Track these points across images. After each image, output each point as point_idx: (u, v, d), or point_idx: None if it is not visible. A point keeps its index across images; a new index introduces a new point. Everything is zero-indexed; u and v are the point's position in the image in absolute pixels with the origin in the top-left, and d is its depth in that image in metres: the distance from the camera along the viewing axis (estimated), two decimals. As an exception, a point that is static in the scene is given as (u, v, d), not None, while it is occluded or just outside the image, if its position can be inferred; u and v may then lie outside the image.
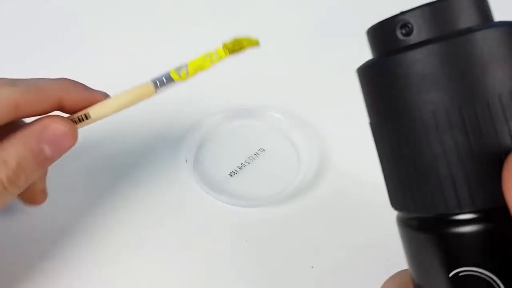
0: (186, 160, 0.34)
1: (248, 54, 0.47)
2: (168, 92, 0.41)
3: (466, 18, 0.16)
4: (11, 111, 0.24)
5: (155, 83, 0.28)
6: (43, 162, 0.25)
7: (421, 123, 0.16)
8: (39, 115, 0.26)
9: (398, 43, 0.17)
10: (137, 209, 0.33)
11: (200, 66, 0.29)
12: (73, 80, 0.27)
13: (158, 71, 0.43)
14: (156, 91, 0.28)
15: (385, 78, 0.17)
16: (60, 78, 0.27)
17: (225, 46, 0.29)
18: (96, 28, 0.48)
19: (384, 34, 0.17)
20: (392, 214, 0.27)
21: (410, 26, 0.16)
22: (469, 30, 0.16)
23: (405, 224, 0.18)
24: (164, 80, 0.28)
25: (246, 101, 0.41)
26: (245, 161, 0.36)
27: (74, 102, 0.26)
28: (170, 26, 0.49)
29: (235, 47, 0.29)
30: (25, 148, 0.25)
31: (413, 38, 0.16)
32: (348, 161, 0.37)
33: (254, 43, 0.30)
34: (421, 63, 0.16)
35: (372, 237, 0.32)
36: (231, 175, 0.35)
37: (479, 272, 0.16)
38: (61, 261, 0.30)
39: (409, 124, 0.16)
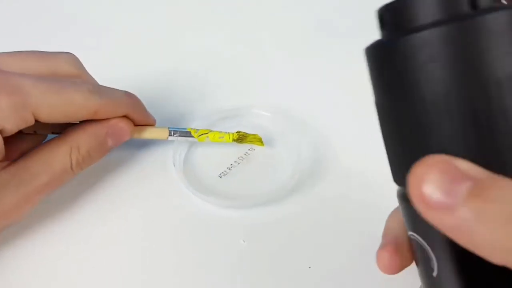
0: (174, 165, 0.34)
1: (247, 55, 0.47)
2: (159, 94, 0.41)
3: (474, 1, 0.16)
4: (90, 115, 0.29)
5: (169, 132, 0.34)
6: (105, 151, 0.31)
7: (423, 102, 0.16)
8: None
9: (409, 24, 0.16)
10: (122, 210, 0.32)
11: (211, 137, 0.34)
12: (138, 100, 0.33)
13: (158, 71, 0.44)
14: (167, 138, 0.34)
15: (394, 57, 0.16)
16: (129, 94, 0.32)
17: (235, 134, 0.34)
18: (96, 28, 0.48)
19: (395, 15, 0.17)
20: (388, 213, 0.26)
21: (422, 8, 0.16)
22: (478, 13, 0.15)
23: (399, 196, 0.19)
24: (178, 132, 0.34)
25: (245, 100, 0.41)
26: (235, 161, 0.35)
27: (134, 119, 0.32)
28: (170, 26, 0.49)
29: (243, 139, 0.35)
30: (96, 139, 0.30)
31: (424, 19, 0.16)
32: (343, 161, 0.36)
33: (259, 143, 0.35)
34: (429, 44, 0.15)
35: (368, 237, 0.31)
36: (220, 176, 0.34)
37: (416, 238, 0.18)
38: (42, 266, 0.30)
39: (412, 102, 0.16)
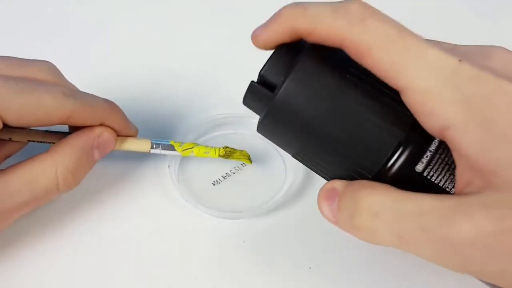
0: (168, 166, 0.34)
1: (247, 55, 0.46)
2: (158, 94, 0.41)
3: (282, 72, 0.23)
4: (63, 119, 0.27)
5: (152, 144, 0.32)
6: (92, 164, 0.30)
7: (312, 134, 0.22)
8: (81, 126, 0.29)
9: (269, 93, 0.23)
10: (113, 208, 0.33)
11: (196, 152, 0.33)
12: (117, 108, 0.30)
13: (157, 71, 0.43)
14: (150, 151, 0.32)
15: (275, 121, 0.23)
16: (108, 101, 0.30)
17: (222, 149, 0.33)
18: (95, 28, 0.48)
19: (258, 94, 0.24)
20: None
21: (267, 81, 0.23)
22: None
23: None
24: (160, 145, 0.32)
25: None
26: (230, 170, 0.35)
27: (112, 127, 0.30)
28: (170, 26, 0.49)
29: (229, 155, 0.33)
30: (84, 154, 0.28)
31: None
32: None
33: (247, 160, 0.34)
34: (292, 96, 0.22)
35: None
36: (214, 184, 0.34)
37: None
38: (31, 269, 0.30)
39: (310, 137, 0.23)
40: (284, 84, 0.22)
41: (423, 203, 0.20)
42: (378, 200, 0.21)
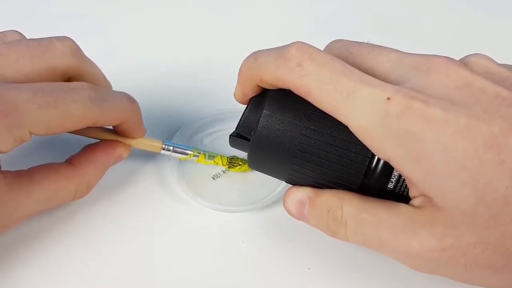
0: (169, 159, 0.34)
1: (246, 54, 0.46)
2: (163, 89, 0.41)
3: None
4: (88, 124, 0.28)
5: (164, 146, 0.33)
6: (104, 173, 0.31)
7: (295, 152, 0.25)
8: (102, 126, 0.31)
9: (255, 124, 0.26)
10: (111, 202, 0.33)
11: (202, 161, 0.34)
12: (137, 107, 0.30)
13: (157, 70, 0.43)
14: (160, 152, 0.33)
15: (259, 148, 0.26)
16: (130, 99, 0.30)
17: (228, 158, 0.34)
18: (94, 27, 0.48)
19: (238, 143, 0.28)
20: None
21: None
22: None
23: None
24: (171, 148, 0.33)
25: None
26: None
27: (126, 128, 0.30)
28: (170, 25, 0.49)
29: (234, 166, 0.34)
30: (102, 170, 0.31)
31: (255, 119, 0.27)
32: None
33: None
34: (262, 135, 0.26)
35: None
36: (213, 178, 0.34)
37: None
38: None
39: (296, 157, 0.25)
40: (254, 136, 0.26)
41: (378, 217, 0.23)
42: (345, 211, 0.24)
